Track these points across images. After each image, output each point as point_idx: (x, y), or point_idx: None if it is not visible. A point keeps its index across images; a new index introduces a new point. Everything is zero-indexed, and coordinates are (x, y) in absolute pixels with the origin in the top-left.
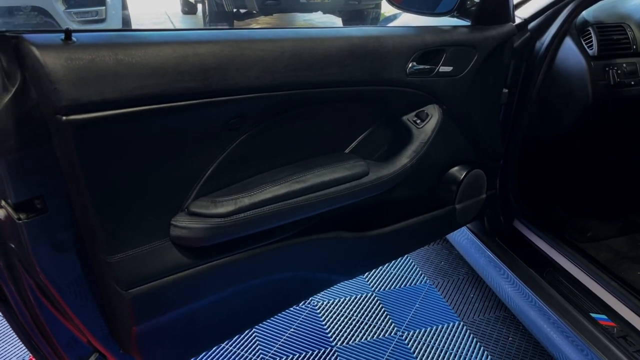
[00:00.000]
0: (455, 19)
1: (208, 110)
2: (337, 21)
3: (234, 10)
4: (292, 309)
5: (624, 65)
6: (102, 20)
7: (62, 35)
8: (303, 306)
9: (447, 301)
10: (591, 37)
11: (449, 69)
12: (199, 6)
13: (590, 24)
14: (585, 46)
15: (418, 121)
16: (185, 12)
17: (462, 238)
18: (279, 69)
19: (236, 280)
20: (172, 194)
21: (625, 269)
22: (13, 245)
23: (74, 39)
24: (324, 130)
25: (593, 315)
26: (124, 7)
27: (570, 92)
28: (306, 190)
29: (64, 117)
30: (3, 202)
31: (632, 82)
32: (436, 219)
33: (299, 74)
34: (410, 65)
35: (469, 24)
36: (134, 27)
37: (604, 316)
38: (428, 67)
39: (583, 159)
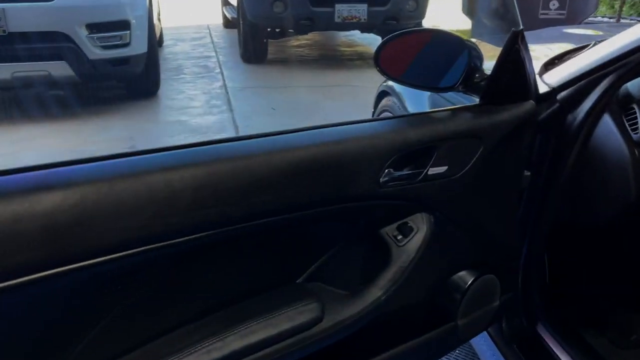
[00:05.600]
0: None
1: (62, 281)
2: (378, 39)
3: (269, 29)
4: None
5: None
6: (126, 45)
7: None
8: None
9: None
10: (637, 116)
11: (442, 169)
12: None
13: (636, 99)
14: (629, 128)
15: (399, 237)
16: (226, 26)
17: (481, 341)
18: (175, 213)
19: None
20: None
21: None
22: None
23: None
24: (261, 262)
25: None
26: (151, 28)
27: (608, 183)
28: None
29: None
30: None
31: None
32: (429, 343)
33: (209, 212)
34: (385, 172)
35: (476, 101)
36: (170, 43)
37: None
38: (410, 172)
39: (630, 255)
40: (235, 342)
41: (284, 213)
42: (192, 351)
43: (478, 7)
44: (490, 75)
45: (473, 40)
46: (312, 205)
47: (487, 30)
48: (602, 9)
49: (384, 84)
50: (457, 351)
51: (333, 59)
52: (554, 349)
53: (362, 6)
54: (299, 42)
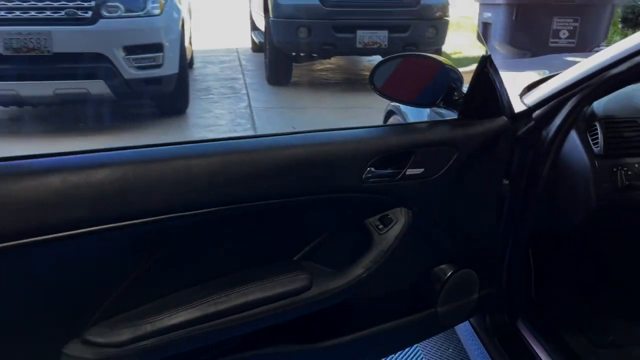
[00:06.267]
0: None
1: (105, 236)
2: None
3: (293, 53)
4: None
5: (636, 165)
6: (159, 66)
7: None
8: None
9: None
10: (597, 133)
11: (418, 171)
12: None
13: (598, 118)
14: (591, 143)
15: (380, 226)
16: (254, 50)
17: (466, 333)
18: (192, 190)
19: None
20: (68, 321)
21: None
22: None
23: None
24: (263, 241)
25: None
26: (182, 50)
27: (574, 191)
28: (225, 312)
29: None
30: None
31: None
32: (412, 324)
33: (220, 191)
34: (367, 170)
35: (454, 115)
36: (199, 65)
37: None
38: (390, 171)
39: (606, 258)
40: (237, 298)
41: (280, 197)
42: (201, 303)
43: (491, 35)
44: (465, 94)
45: None
46: (304, 193)
47: (499, 55)
48: (617, 38)
49: (392, 104)
50: (447, 347)
51: (355, 83)
52: (533, 345)
53: (383, 33)
54: (323, 66)
